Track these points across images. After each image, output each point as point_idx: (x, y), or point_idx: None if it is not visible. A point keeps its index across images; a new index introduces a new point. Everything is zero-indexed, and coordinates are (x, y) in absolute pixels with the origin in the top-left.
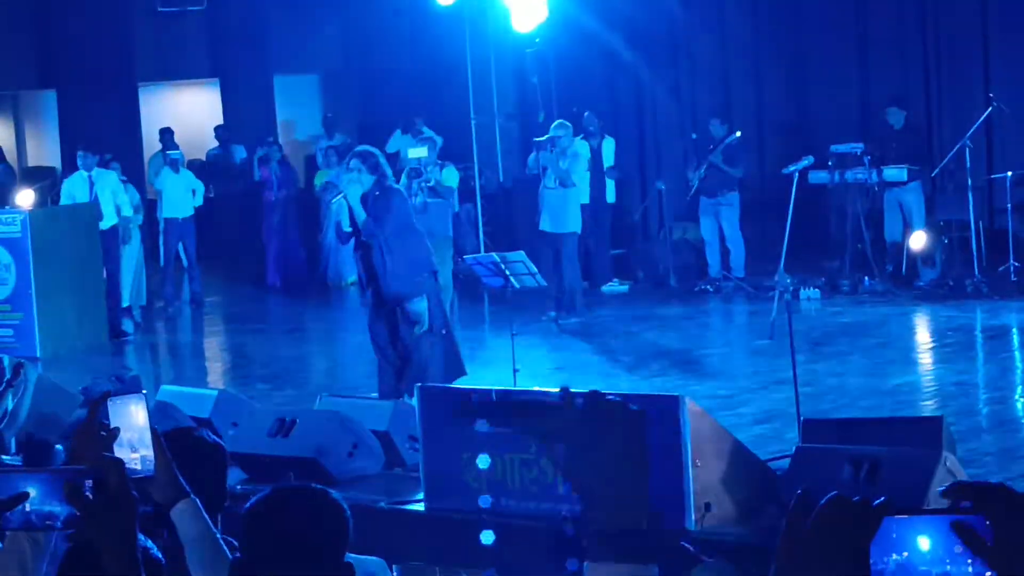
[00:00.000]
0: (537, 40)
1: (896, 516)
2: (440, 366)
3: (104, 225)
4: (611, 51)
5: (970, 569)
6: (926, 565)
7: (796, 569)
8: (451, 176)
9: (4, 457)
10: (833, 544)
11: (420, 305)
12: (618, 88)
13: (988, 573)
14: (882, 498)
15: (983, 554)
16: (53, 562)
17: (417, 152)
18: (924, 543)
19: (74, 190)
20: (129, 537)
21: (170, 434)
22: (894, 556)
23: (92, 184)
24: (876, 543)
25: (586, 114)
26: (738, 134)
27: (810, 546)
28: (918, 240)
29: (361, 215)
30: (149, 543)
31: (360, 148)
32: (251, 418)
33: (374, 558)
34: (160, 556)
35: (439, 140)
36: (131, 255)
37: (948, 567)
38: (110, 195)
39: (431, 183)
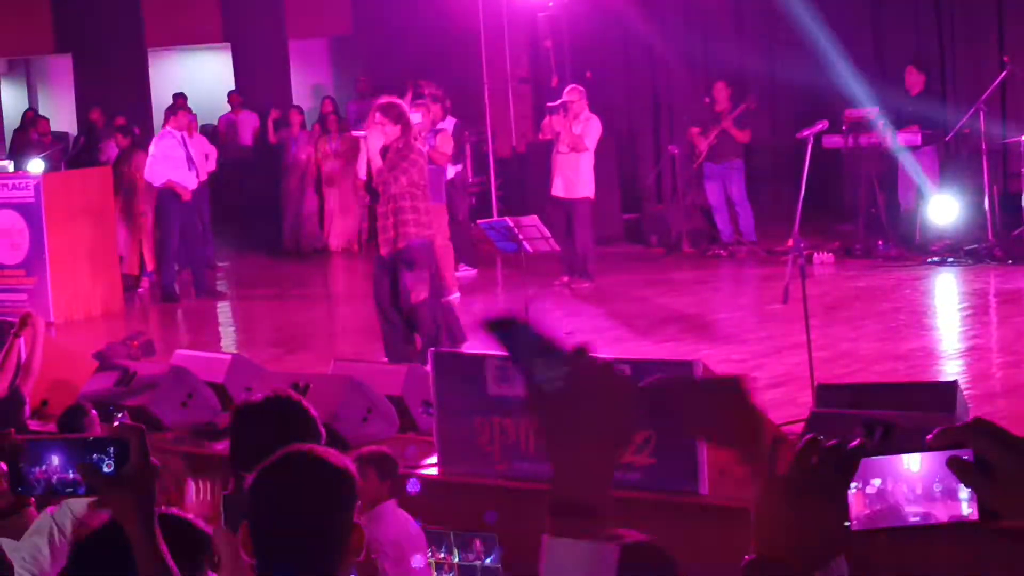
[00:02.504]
0: (550, 4)
1: (873, 458)
2: (447, 332)
3: (189, 185)
4: (624, 15)
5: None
6: (901, 492)
7: (774, 515)
8: (446, 142)
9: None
10: (811, 488)
11: (420, 270)
12: (631, 52)
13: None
14: (857, 440)
15: (978, 486)
16: None
17: (412, 119)
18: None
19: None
20: (148, 505)
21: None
22: (875, 481)
23: (186, 143)
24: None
25: None
26: (751, 100)
27: (788, 491)
28: (939, 203)
29: (376, 163)
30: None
31: (382, 100)
32: (264, 383)
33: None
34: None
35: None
36: None
37: (934, 496)
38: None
39: (425, 149)
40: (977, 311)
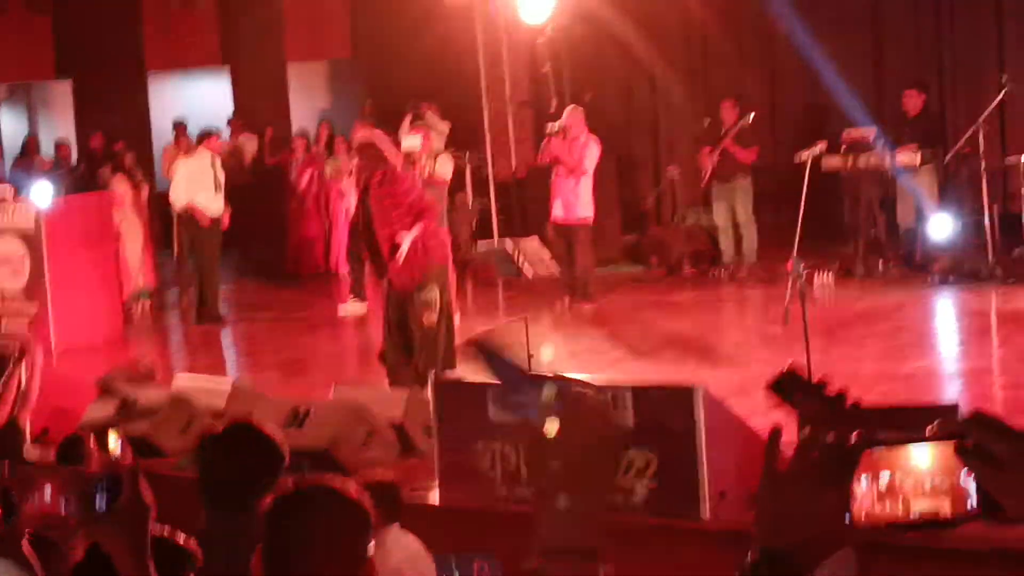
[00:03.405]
0: (549, 28)
1: (874, 448)
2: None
3: (214, 212)
4: (623, 37)
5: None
6: (908, 486)
7: (776, 509)
8: (445, 166)
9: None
10: (812, 482)
11: (432, 292)
12: (630, 74)
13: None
14: (856, 432)
15: (982, 476)
16: None
17: (410, 142)
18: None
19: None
20: (141, 542)
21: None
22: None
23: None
24: None
25: None
26: (752, 116)
27: (789, 485)
28: (933, 226)
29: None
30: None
31: (358, 139)
32: (265, 408)
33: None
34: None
35: (444, 128)
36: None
37: (941, 490)
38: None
39: (425, 173)
40: (978, 332)
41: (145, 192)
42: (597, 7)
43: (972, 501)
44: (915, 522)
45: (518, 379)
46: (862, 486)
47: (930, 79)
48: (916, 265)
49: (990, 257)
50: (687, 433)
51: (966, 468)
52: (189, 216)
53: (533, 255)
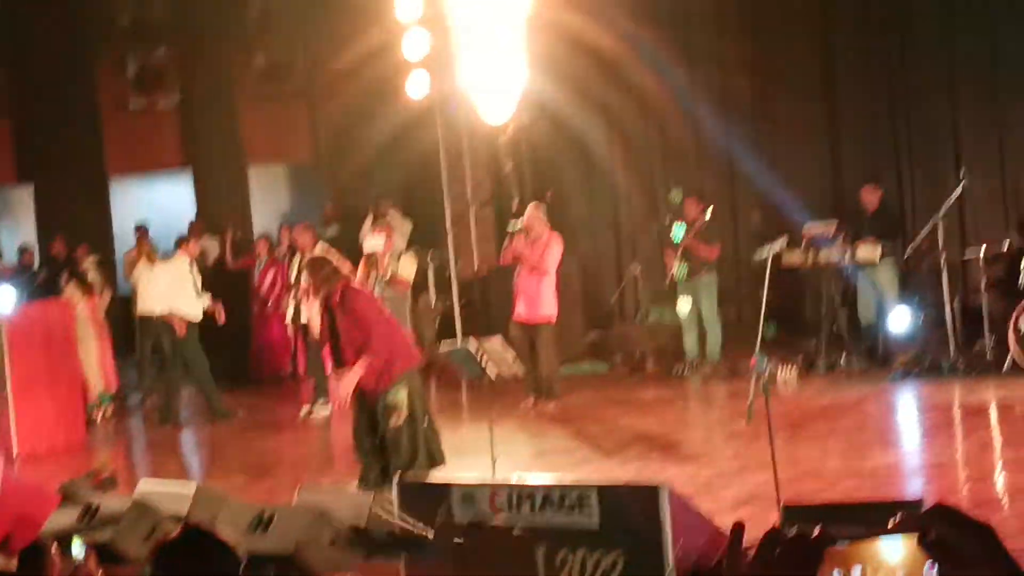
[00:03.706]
0: (510, 127)
1: (835, 548)
2: (424, 455)
3: (194, 316)
4: (583, 136)
5: None
6: None
7: None
8: (408, 266)
9: None
10: None
11: (398, 395)
12: (592, 172)
13: None
14: (817, 529)
15: (947, 568)
16: None
17: (372, 243)
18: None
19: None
20: None
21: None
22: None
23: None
24: None
25: None
26: (710, 209)
27: None
28: (894, 320)
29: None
30: None
31: (309, 257)
32: (229, 513)
33: None
34: None
35: (407, 228)
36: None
37: None
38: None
39: (388, 274)
40: (941, 426)
41: (106, 297)
42: (557, 106)
43: None
44: None
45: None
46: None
47: (888, 175)
48: (878, 359)
49: (952, 351)
50: (653, 532)
51: (930, 560)
52: (164, 322)
53: (497, 355)
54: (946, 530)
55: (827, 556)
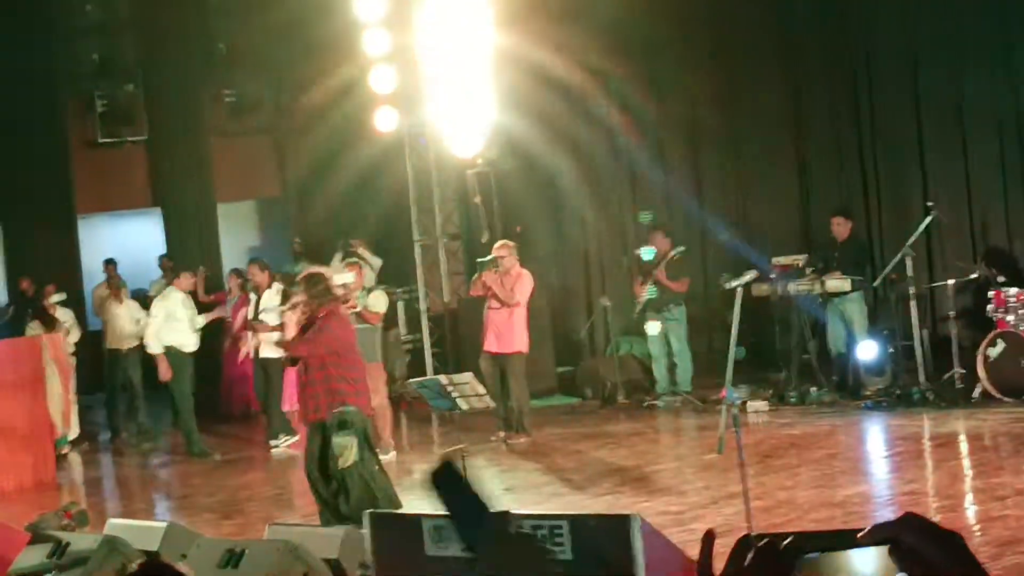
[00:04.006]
0: (479, 161)
1: (808, 556)
2: (384, 498)
3: (191, 347)
4: (552, 169)
5: None
6: None
7: None
8: (379, 301)
9: None
10: None
11: (346, 437)
12: (561, 206)
13: None
14: (790, 537)
15: (919, 573)
16: None
17: (343, 278)
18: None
19: (172, 308)
20: None
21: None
22: None
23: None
24: None
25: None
26: (681, 249)
27: None
28: (864, 351)
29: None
30: None
31: (307, 271)
32: (200, 549)
33: None
34: None
35: (376, 263)
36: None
37: None
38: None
39: (358, 308)
40: (912, 456)
41: (74, 335)
42: (526, 140)
43: None
44: None
45: (476, 513)
46: None
47: (856, 206)
48: (848, 390)
49: (921, 381)
50: (626, 564)
51: (900, 572)
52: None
53: (467, 389)
54: (916, 539)
55: (797, 569)
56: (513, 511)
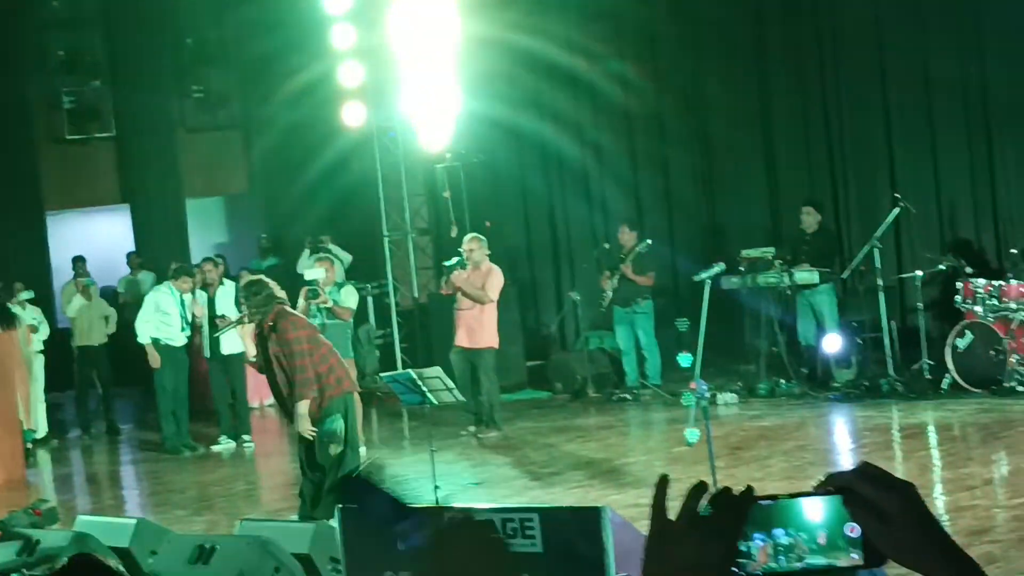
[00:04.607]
0: (448, 155)
1: (761, 502)
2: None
3: (179, 343)
4: (521, 164)
5: (851, 551)
6: (800, 541)
7: (662, 561)
8: (350, 296)
9: None
10: (701, 535)
11: (334, 424)
12: (529, 200)
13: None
14: (746, 486)
15: (868, 527)
16: None
17: (313, 273)
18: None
19: (162, 302)
20: None
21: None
22: (762, 537)
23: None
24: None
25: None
26: (648, 242)
27: (677, 538)
28: (832, 341)
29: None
30: None
31: (246, 280)
32: (170, 545)
33: None
34: None
35: (346, 259)
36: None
37: (836, 544)
38: (182, 308)
39: (329, 304)
40: (881, 447)
41: (43, 332)
42: (494, 133)
43: (858, 553)
44: (805, 572)
45: (397, 513)
46: (756, 542)
47: (825, 198)
48: (817, 382)
49: (890, 372)
50: (596, 555)
51: (853, 521)
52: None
53: (437, 383)
54: (869, 488)
55: (751, 517)
56: (455, 506)
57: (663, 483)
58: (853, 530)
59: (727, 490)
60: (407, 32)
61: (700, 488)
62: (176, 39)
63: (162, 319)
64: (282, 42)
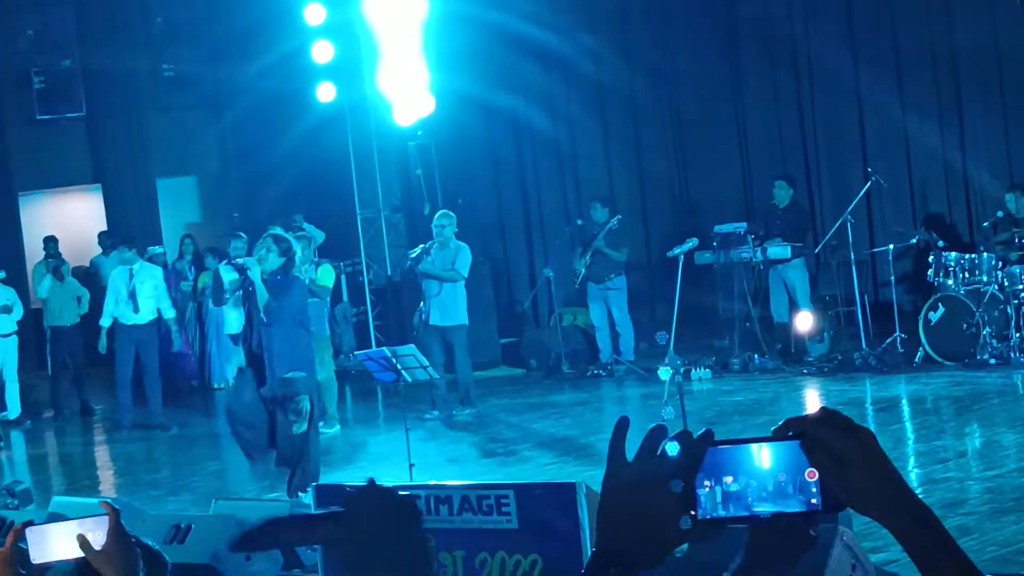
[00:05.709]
0: (420, 132)
1: (719, 447)
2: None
3: (142, 319)
4: (493, 141)
5: (801, 490)
6: (752, 487)
7: (617, 504)
8: (326, 275)
9: None
10: (653, 476)
11: (303, 402)
12: (502, 177)
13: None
14: (704, 429)
15: (826, 472)
16: None
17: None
18: (750, 466)
19: (117, 283)
20: None
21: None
22: (721, 479)
23: (132, 277)
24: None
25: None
26: (619, 218)
27: (634, 479)
28: (803, 319)
29: (263, 296)
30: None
31: (275, 230)
32: (145, 525)
33: None
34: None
35: (319, 236)
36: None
37: (785, 491)
38: (151, 289)
39: (306, 282)
40: (854, 420)
41: (17, 312)
42: (466, 110)
43: (816, 499)
44: (760, 521)
45: (285, 523)
46: (703, 488)
47: (797, 173)
48: (791, 356)
49: (864, 346)
50: (571, 531)
51: (811, 467)
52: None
53: (411, 361)
54: (828, 433)
55: (707, 461)
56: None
57: (622, 425)
58: (812, 475)
59: (686, 432)
60: (378, 9)
61: (658, 430)
62: (146, 17)
63: (117, 297)
64: (253, 20)
